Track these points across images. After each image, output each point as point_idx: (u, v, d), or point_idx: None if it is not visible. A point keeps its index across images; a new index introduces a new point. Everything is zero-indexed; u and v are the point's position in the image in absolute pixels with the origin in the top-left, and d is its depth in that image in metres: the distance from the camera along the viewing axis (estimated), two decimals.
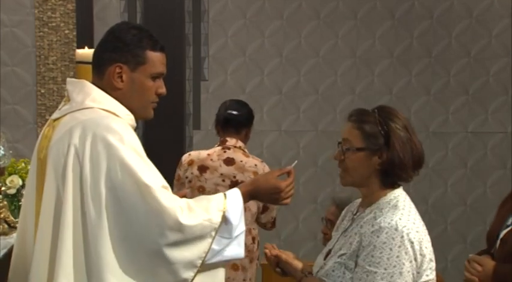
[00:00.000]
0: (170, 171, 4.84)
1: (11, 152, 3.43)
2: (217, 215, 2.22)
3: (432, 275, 2.25)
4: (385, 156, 2.28)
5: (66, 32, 4.85)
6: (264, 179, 2.39)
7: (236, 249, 2.27)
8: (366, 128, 2.29)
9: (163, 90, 2.39)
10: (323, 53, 5.30)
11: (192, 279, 2.21)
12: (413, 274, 2.19)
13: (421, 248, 2.21)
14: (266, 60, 5.30)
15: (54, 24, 4.85)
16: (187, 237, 2.18)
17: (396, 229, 2.19)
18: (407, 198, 2.34)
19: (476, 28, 5.30)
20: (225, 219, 2.23)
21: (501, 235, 2.66)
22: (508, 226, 2.65)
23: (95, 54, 2.40)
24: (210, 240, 2.21)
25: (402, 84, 5.35)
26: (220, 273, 2.32)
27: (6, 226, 3.31)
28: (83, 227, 2.20)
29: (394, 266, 2.16)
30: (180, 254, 2.17)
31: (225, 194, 2.30)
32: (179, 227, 2.16)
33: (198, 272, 2.21)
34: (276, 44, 5.28)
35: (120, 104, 2.33)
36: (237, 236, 2.26)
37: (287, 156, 5.24)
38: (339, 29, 5.28)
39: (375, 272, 2.17)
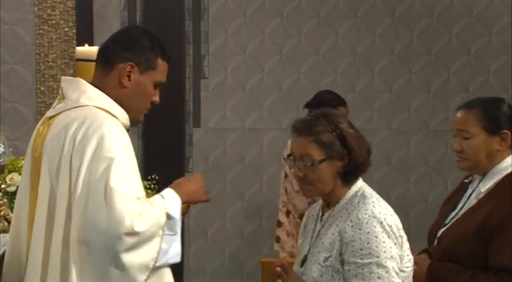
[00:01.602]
0: (170, 169, 4.85)
1: (11, 149, 3.43)
2: (162, 214, 2.24)
3: (410, 255, 2.32)
4: (346, 159, 2.30)
5: (66, 29, 4.85)
6: (182, 179, 2.43)
7: (178, 247, 2.28)
8: (322, 138, 2.29)
9: (157, 99, 2.43)
10: (323, 51, 5.30)
11: None
12: (399, 256, 2.24)
13: (398, 230, 2.26)
14: (266, 58, 5.30)
15: (54, 21, 4.85)
16: (141, 239, 2.18)
17: (374, 217, 2.22)
18: (368, 186, 2.38)
19: (476, 26, 5.30)
20: (168, 216, 2.25)
21: (439, 234, 2.67)
22: (445, 225, 2.67)
23: (104, 49, 2.40)
24: (159, 239, 2.22)
25: (402, 82, 5.35)
26: (167, 273, 2.32)
27: (6, 224, 3.31)
28: (66, 224, 2.21)
29: (385, 252, 2.19)
30: (135, 258, 2.18)
31: (161, 195, 2.31)
32: (134, 232, 2.16)
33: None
34: (276, 42, 5.28)
35: (115, 102, 2.33)
36: (179, 233, 2.28)
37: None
38: (339, 27, 5.28)
39: (370, 263, 2.19)
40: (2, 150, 3.30)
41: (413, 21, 5.30)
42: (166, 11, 5.10)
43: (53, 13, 4.83)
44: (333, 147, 2.28)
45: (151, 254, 2.21)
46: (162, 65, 2.38)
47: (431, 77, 5.35)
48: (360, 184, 2.36)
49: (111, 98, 2.33)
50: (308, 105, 4.19)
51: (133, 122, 2.43)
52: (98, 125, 2.22)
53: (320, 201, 2.48)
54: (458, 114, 2.65)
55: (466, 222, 2.57)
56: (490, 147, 2.58)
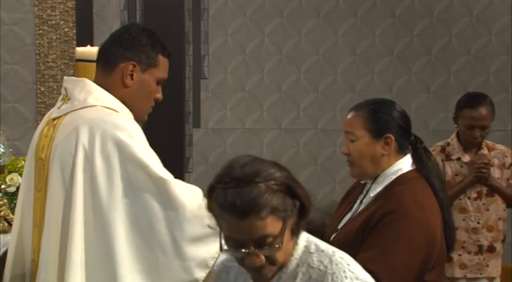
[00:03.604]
0: (170, 170, 4.83)
1: (10, 150, 3.43)
2: None
3: None
4: (296, 211, 1.77)
5: (66, 30, 4.85)
6: None
7: None
8: (275, 204, 1.70)
9: (160, 95, 2.43)
10: (323, 51, 5.30)
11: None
12: None
13: None
14: (266, 58, 5.30)
15: (53, 22, 4.85)
16: (203, 232, 2.18)
17: (357, 278, 1.81)
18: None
19: (476, 26, 5.30)
20: None
21: (331, 238, 2.59)
22: (337, 230, 2.59)
23: (105, 50, 2.40)
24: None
25: (402, 82, 5.35)
26: None
27: (6, 224, 3.32)
28: (96, 226, 2.20)
29: None
30: (195, 251, 2.19)
31: None
32: (196, 220, 2.18)
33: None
34: (276, 42, 5.29)
35: (120, 102, 2.34)
36: None
37: (287, 154, 5.24)
38: (339, 27, 5.28)
39: None
40: (2, 150, 3.30)
41: (413, 21, 5.30)
42: (166, 11, 5.10)
43: (52, 13, 4.84)
44: (286, 207, 1.73)
45: (212, 252, 2.20)
46: (163, 61, 2.40)
47: (431, 77, 5.35)
48: (305, 234, 1.86)
49: (116, 98, 2.34)
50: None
51: (137, 121, 2.44)
52: (113, 125, 2.22)
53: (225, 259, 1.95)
54: (348, 116, 2.56)
55: (350, 225, 2.50)
56: (373, 151, 2.49)
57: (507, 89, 5.34)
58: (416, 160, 2.55)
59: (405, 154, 2.54)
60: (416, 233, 2.36)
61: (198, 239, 2.19)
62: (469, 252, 3.79)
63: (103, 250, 2.19)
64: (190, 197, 2.20)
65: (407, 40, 5.32)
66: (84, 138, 2.22)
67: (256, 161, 1.78)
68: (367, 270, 2.08)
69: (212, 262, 2.20)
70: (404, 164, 2.52)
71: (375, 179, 2.54)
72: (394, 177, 2.50)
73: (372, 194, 2.53)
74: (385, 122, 2.50)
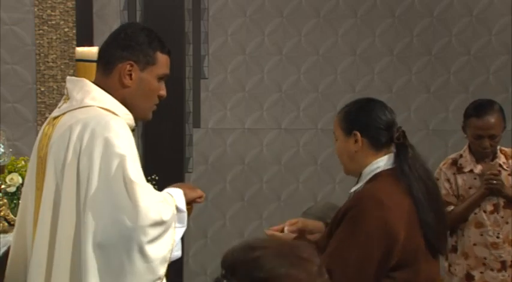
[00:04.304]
0: (170, 169, 4.84)
1: (10, 150, 3.44)
2: (174, 206, 2.29)
3: None
4: None
5: (66, 30, 4.85)
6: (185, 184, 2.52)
7: (179, 241, 2.31)
8: None
9: (164, 92, 2.43)
10: (323, 51, 5.30)
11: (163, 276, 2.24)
12: None
13: None
14: (266, 58, 5.30)
15: (53, 22, 4.85)
16: (163, 230, 2.21)
17: None
18: None
19: (476, 26, 5.30)
20: (177, 209, 2.31)
21: None
22: None
23: (103, 50, 2.41)
24: (173, 230, 2.25)
25: (402, 82, 5.35)
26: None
27: (6, 224, 3.32)
28: (76, 226, 2.21)
29: None
30: (157, 250, 2.19)
31: (166, 191, 2.35)
32: (160, 223, 2.19)
33: None
34: (276, 42, 5.28)
35: (119, 103, 2.35)
36: (186, 225, 2.33)
37: (287, 154, 5.24)
38: (339, 27, 5.28)
39: None
40: (2, 150, 3.31)
41: (413, 21, 5.30)
42: (166, 11, 5.09)
43: (52, 13, 4.83)
44: None
45: (168, 246, 2.23)
46: (162, 58, 2.39)
47: (431, 77, 5.35)
48: None
49: (117, 99, 2.34)
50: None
51: (142, 119, 2.46)
52: (104, 125, 2.23)
53: None
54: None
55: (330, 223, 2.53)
56: (348, 148, 2.55)
57: (507, 89, 5.34)
58: (397, 158, 2.55)
59: (389, 151, 2.56)
60: (373, 229, 2.36)
61: (158, 238, 2.20)
62: (491, 270, 3.59)
63: (76, 254, 2.19)
64: (155, 201, 2.20)
65: (407, 40, 5.32)
66: (74, 137, 2.24)
67: (251, 249, 1.58)
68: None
69: (169, 255, 2.23)
70: (384, 161, 2.53)
71: (359, 176, 2.58)
72: (371, 174, 2.52)
73: (352, 191, 2.58)
74: (351, 120, 2.57)
